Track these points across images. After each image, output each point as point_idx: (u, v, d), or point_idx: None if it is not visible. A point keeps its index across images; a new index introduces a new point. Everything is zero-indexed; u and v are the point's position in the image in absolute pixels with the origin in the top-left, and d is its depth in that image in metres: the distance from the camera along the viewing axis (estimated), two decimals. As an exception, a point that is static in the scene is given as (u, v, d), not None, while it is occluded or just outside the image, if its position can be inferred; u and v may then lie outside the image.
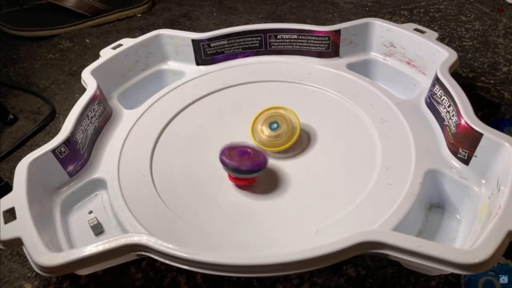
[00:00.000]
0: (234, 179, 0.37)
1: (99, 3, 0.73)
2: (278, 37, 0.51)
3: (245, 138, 0.40)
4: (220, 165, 0.40)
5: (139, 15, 0.77)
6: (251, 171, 0.36)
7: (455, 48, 0.56)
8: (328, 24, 0.54)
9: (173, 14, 0.76)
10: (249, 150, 0.37)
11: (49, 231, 0.34)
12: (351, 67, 0.49)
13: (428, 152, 0.38)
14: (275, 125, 0.40)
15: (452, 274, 0.33)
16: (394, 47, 0.48)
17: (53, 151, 0.37)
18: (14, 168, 0.35)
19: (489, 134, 0.33)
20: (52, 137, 0.38)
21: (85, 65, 0.48)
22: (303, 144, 0.41)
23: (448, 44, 0.57)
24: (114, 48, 0.49)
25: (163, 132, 0.44)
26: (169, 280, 0.35)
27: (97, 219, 0.36)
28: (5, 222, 0.32)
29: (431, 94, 0.42)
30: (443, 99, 0.39)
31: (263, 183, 0.38)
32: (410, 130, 0.40)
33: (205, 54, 0.51)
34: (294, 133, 0.40)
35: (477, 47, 0.59)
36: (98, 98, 0.43)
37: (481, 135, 0.34)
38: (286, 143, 0.39)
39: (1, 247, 0.31)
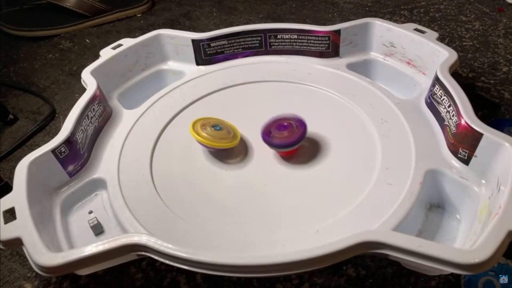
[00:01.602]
0: (281, 152, 0.40)
1: (99, 3, 0.73)
2: (278, 37, 0.51)
3: (244, 138, 0.40)
4: (220, 165, 0.40)
5: (139, 15, 0.77)
6: (293, 143, 0.38)
7: (455, 48, 0.56)
8: (328, 24, 0.54)
9: (173, 14, 0.76)
10: (285, 123, 0.39)
11: (49, 231, 0.34)
12: (351, 67, 0.49)
13: (428, 152, 0.38)
14: (219, 127, 0.40)
15: (452, 274, 0.33)
16: (394, 47, 0.48)
17: (53, 151, 0.37)
18: (14, 168, 0.35)
19: (489, 134, 0.33)
20: (52, 137, 0.38)
21: (85, 65, 0.48)
22: (303, 144, 0.41)
23: (448, 44, 0.57)
24: (114, 48, 0.49)
25: (163, 132, 0.44)
26: (169, 280, 0.35)
27: (97, 219, 0.36)
28: (5, 222, 0.32)
29: (431, 94, 0.42)
30: (443, 99, 0.39)
31: (263, 183, 0.38)
32: (410, 130, 0.40)
33: (205, 54, 0.51)
34: (236, 135, 0.41)
35: (477, 47, 0.59)
36: (98, 98, 0.43)
37: (481, 135, 0.34)
38: (226, 142, 0.40)
39: (1, 247, 0.31)
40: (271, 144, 0.38)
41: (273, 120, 0.40)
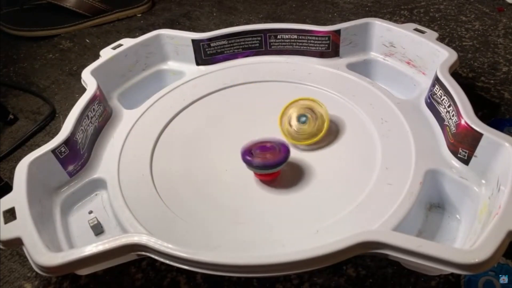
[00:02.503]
0: (260, 176, 0.38)
1: (99, 3, 0.73)
2: (278, 37, 0.51)
3: (244, 138, 0.40)
4: (220, 165, 0.40)
5: (139, 15, 0.77)
6: (276, 164, 0.36)
7: (455, 48, 0.56)
8: (328, 24, 0.54)
9: (173, 14, 0.76)
10: (268, 144, 0.37)
11: (49, 231, 0.34)
12: (351, 67, 0.49)
13: (428, 152, 0.38)
14: (304, 118, 0.40)
15: (452, 274, 0.33)
16: (394, 47, 0.48)
17: (53, 151, 0.37)
18: (14, 168, 0.35)
19: (489, 134, 0.33)
20: (52, 137, 0.38)
21: (85, 65, 0.48)
22: (302, 144, 0.41)
23: (448, 44, 0.57)
24: (114, 48, 0.49)
25: (163, 132, 0.44)
26: (169, 280, 0.35)
27: (97, 219, 0.36)
28: (5, 222, 0.32)
29: (431, 94, 0.42)
30: (443, 99, 0.39)
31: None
32: (410, 130, 0.40)
33: (205, 54, 0.51)
34: (321, 129, 0.40)
35: (477, 47, 0.59)
36: (98, 98, 0.43)
37: (481, 135, 0.34)
38: (310, 138, 0.40)
39: (1, 247, 0.31)
40: (249, 164, 0.36)
41: (255, 143, 0.38)
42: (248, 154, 0.36)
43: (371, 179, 0.36)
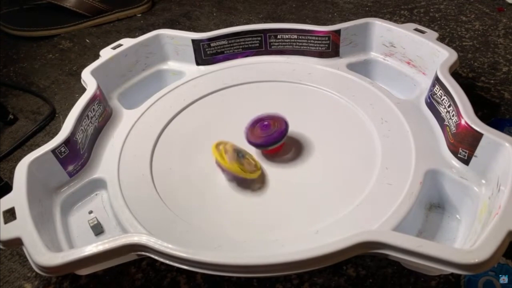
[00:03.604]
0: (265, 151, 0.40)
1: (99, 3, 0.73)
2: (278, 37, 0.51)
3: (244, 137, 0.40)
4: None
5: (139, 15, 0.77)
6: (275, 142, 0.38)
7: (455, 48, 0.56)
8: (328, 24, 0.54)
9: (173, 14, 0.76)
10: (267, 122, 0.39)
11: (49, 231, 0.34)
12: (351, 67, 0.49)
13: (428, 152, 0.38)
14: (241, 154, 0.38)
15: (452, 274, 0.33)
16: (394, 47, 0.48)
17: (53, 151, 0.37)
18: (14, 168, 0.35)
19: (489, 134, 0.33)
20: (52, 137, 0.38)
21: (85, 65, 0.48)
22: (302, 144, 0.41)
23: (448, 44, 0.57)
24: (114, 48, 0.49)
25: (163, 132, 0.44)
26: (169, 280, 0.35)
27: (97, 219, 0.36)
28: (5, 222, 0.32)
29: (431, 94, 0.42)
30: (443, 99, 0.39)
31: (262, 182, 0.38)
32: (410, 130, 0.40)
33: (205, 54, 0.51)
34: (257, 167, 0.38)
35: (477, 47, 0.59)
36: (98, 98, 0.43)
37: (481, 135, 0.34)
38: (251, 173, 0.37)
39: (1, 247, 0.31)
40: (254, 145, 0.39)
41: (256, 120, 0.40)
42: (249, 135, 0.39)
43: (371, 179, 0.36)
